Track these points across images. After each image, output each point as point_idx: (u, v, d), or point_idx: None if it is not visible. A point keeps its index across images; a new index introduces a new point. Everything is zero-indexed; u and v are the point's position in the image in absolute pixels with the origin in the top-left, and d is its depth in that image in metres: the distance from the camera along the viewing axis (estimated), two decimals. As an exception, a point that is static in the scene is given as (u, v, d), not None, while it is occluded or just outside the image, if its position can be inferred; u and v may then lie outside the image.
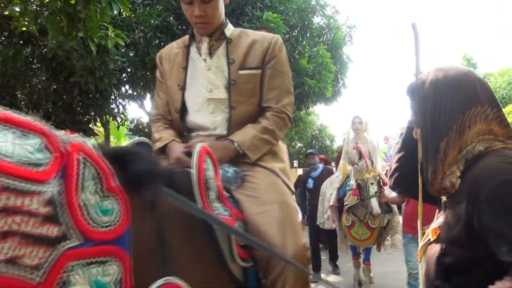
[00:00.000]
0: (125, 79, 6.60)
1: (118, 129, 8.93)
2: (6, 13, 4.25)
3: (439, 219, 1.29)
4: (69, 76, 5.66)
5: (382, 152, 11.05)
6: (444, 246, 1.16)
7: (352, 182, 4.56)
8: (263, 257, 1.35)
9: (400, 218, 4.84)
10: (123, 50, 6.20)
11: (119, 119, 7.35)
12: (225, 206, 1.35)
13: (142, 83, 6.87)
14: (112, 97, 6.84)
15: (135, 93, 7.57)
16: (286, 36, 7.12)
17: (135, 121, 8.44)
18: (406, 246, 4.15)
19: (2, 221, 0.74)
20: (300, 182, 6.75)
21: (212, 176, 1.32)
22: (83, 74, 5.30)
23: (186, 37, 1.85)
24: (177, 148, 1.62)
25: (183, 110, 1.81)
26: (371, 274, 5.26)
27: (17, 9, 3.60)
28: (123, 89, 7.01)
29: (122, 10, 4.38)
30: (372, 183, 4.23)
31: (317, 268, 6.14)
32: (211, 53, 1.77)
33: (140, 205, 1.07)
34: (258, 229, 1.38)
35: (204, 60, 1.76)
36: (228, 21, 1.82)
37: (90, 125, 8.07)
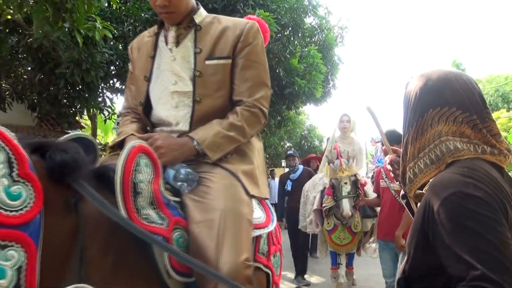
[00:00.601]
0: (113, 72, 6.50)
1: (105, 123, 8.79)
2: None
3: None
4: (55, 67, 5.54)
5: (369, 154, 11.07)
6: (407, 252, 1.14)
7: (326, 181, 4.46)
8: (198, 271, 1.21)
9: None
10: (111, 43, 6.11)
11: (106, 113, 7.24)
12: (163, 213, 1.23)
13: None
14: (99, 90, 6.73)
15: (123, 87, 7.49)
16: (278, 35, 7.09)
17: (123, 115, 8.33)
18: (380, 253, 4.11)
19: None
20: (280, 183, 6.71)
21: (146, 179, 1.21)
22: (69, 65, 5.19)
23: (158, 24, 1.71)
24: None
25: (148, 103, 1.67)
26: (354, 277, 5.24)
27: (2, -4, 3.50)
28: (110, 82, 6.89)
29: (111, 2, 4.28)
30: (345, 183, 4.10)
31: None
32: (178, 42, 1.63)
33: (61, 200, 1.03)
34: (196, 240, 1.24)
35: (170, 50, 1.62)
36: (200, 5, 1.68)
37: (77, 118, 7.96)
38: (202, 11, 1.67)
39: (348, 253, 4.72)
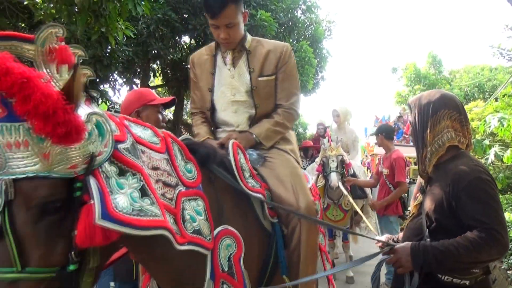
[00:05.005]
0: (126, 67, 6.99)
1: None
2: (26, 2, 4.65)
3: (419, 198, 1.90)
4: (75, 63, 6.00)
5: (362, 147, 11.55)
6: (428, 215, 1.73)
7: (317, 160, 5.18)
8: (283, 214, 1.86)
9: None
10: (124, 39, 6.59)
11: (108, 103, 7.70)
12: (256, 181, 1.86)
13: (139, 71, 7.25)
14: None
15: (124, 79, 7.96)
16: (275, 32, 7.66)
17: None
18: (378, 225, 4.85)
19: (154, 173, 1.32)
20: None
21: (244, 161, 1.84)
22: (91, 62, 5.69)
23: (213, 45, 2.23)
24: (212, 144, 1.96)
25: (213, 109, 2.23)
26: (351, 253, 5.86)
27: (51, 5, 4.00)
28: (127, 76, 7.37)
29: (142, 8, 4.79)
30: (333, 160, 4.83)
31: None
32: (233, 63, 2.15)
33: (206, 176, 1.60)
34: (279, 195, 1.86)
35: (229, 69, 2.15)
36: (247, 33, 2.17)
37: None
38: (249, 37, 2.18)
39: None
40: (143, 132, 1.37)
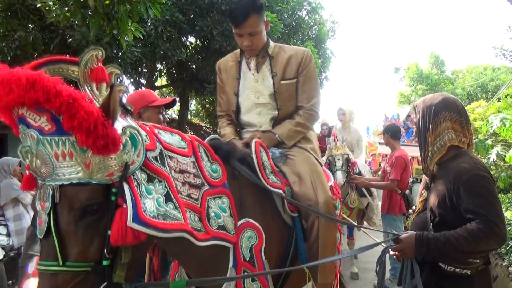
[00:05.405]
0: (140, 69, 7.11)
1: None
2: (38, 5, 4.77)
3: (424, 194, 2.03)
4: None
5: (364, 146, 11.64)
6: (432, 210, 1.84)
7: (324, 158, 5.26)
8: (302, 209, 1.95)
9: (379, 202, 5.55)
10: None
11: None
12: (277, 177, 1.97)
13: (146, 72, 7.37)
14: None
15: (131, 80, 8.09)
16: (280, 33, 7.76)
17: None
18: (382, 222, 4.96)
19: (181, 176, 1.42)
20: None
21: (266, 159, 1.96)
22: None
23: (238, 52, 2.38)
24: (237, 144, 2.10)
25: (238, 111, 2.38)
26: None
27: (66, 8, 4.12)
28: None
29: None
30: (339, 159, 4.95)
31: None
32: (257, 68, 2.29)
33: (230, 173, 1.72)
34: (299, 190, 1.99)
35: (253, 74, 2.30)
36: (269, 40, 2.30)
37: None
38: (271, 44, 2.32)
39: (348, 226, 5.46)
40: (171, 138, 1.47)
